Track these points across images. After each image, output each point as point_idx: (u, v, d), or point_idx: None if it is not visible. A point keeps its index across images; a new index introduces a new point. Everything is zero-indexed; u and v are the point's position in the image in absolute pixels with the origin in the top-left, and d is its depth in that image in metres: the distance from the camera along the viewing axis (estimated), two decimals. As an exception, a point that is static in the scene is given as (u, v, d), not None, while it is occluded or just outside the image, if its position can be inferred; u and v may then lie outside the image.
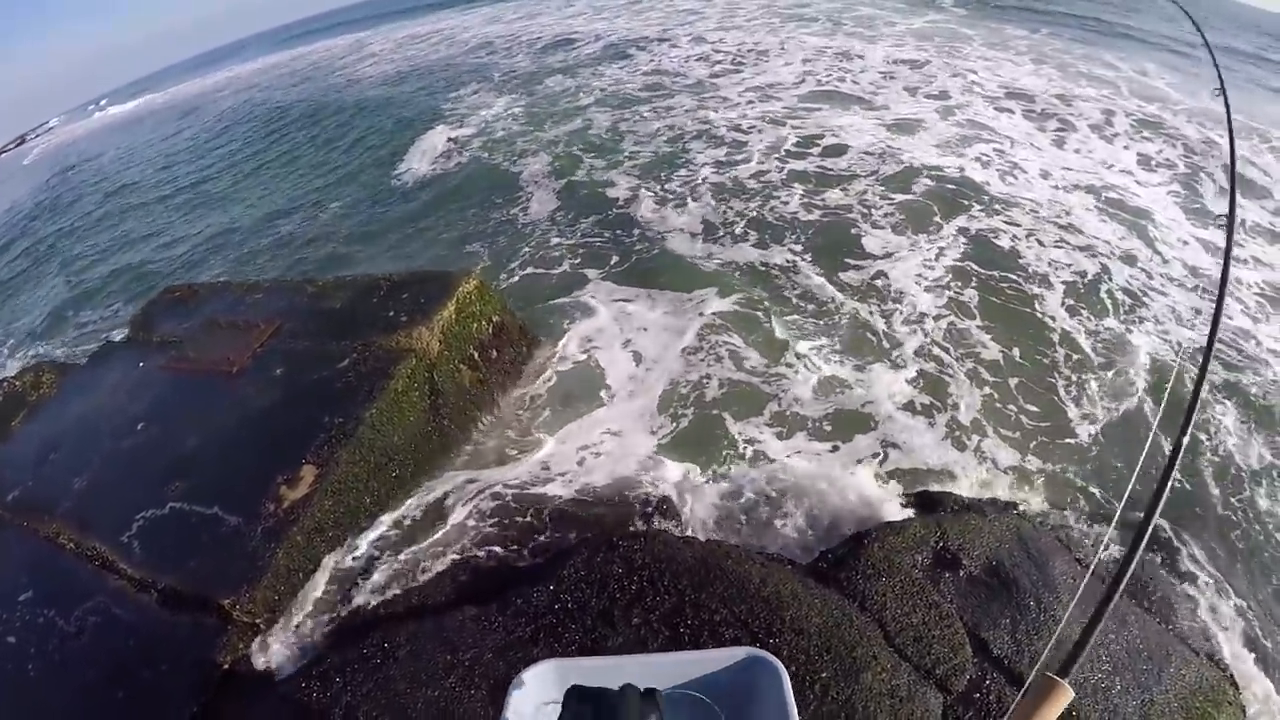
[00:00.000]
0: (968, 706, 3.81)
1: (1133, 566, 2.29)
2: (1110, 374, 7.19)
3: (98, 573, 4.97)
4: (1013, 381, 7.05)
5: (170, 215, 17.10)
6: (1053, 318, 7.97)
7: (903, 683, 3.71)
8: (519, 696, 2.36)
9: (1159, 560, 5.29)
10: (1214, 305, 3.13)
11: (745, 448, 6.01)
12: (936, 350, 7.41)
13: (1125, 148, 13.13)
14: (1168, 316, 8.06)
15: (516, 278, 9.36)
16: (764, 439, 6.17)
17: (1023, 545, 4.69)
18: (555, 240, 10.38)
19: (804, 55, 19.98)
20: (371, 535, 5.00)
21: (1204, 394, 2.73)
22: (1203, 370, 2.91)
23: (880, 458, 6.03)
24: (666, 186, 11.94)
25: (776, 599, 3.98)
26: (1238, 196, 3.45)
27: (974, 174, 11.47)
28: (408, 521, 5.13)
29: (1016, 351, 7.46)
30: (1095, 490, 5.82)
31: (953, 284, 8.54)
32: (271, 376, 5.80)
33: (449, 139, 16.52)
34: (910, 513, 5.11)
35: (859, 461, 5.90)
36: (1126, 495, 3.18)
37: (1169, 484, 2.48)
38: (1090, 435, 6.42)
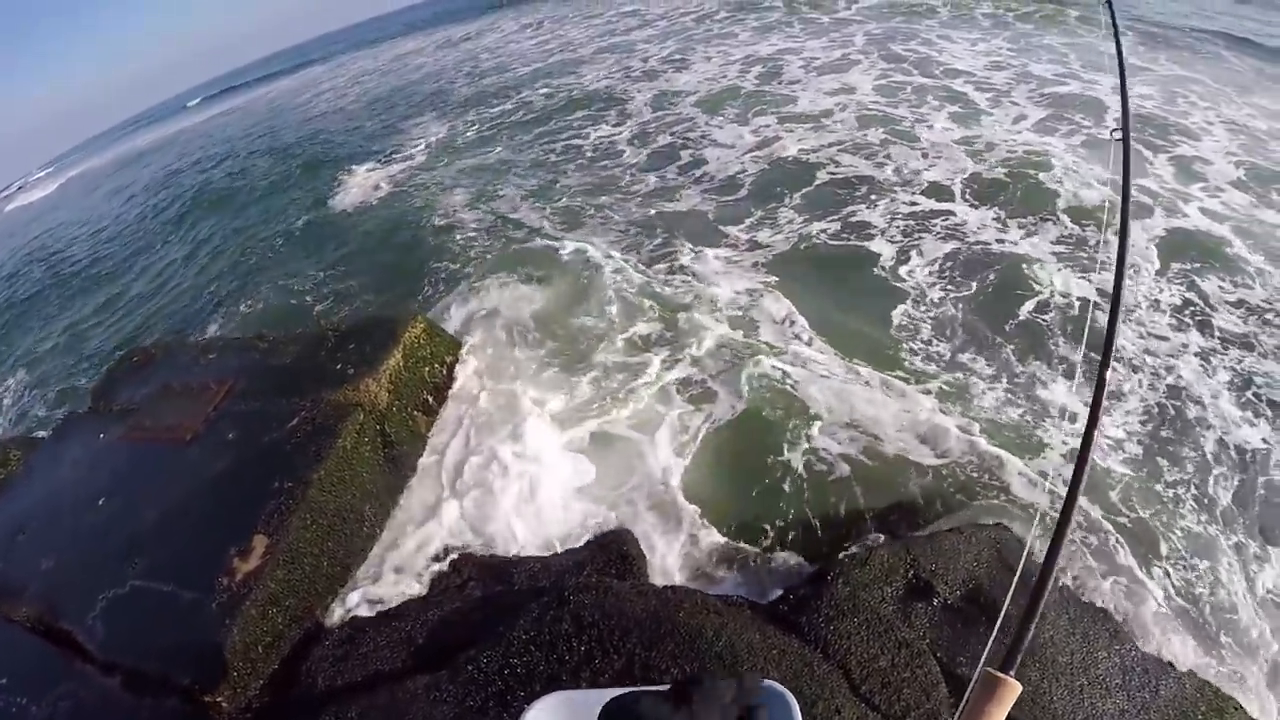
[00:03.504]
0: (942, 755, 3.60)
1: (1060, 552, 2.19)
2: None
3: (66, 656, 4.89)
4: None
5: (112, 285, 16.74)
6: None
7: (870, 735, 3.50)
8: None
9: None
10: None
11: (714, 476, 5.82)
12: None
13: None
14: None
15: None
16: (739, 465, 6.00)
17: (1002, 560, 4.45)
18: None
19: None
20: (327, 601, 4.87)
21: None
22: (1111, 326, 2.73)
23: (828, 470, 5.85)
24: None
25: (731, 653, 3.78)
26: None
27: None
28: (366, 583, 5.01)
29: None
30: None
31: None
32: (224, 441, 5.68)
33: (385, 174, 16.88)
34: (880, 537, 4.86)
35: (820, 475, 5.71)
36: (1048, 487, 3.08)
37: (1085, 471, 2.37)
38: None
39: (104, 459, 6.22)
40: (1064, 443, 5.72)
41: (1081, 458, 2.41)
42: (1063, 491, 2.42)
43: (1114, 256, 2.96)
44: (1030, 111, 13.70)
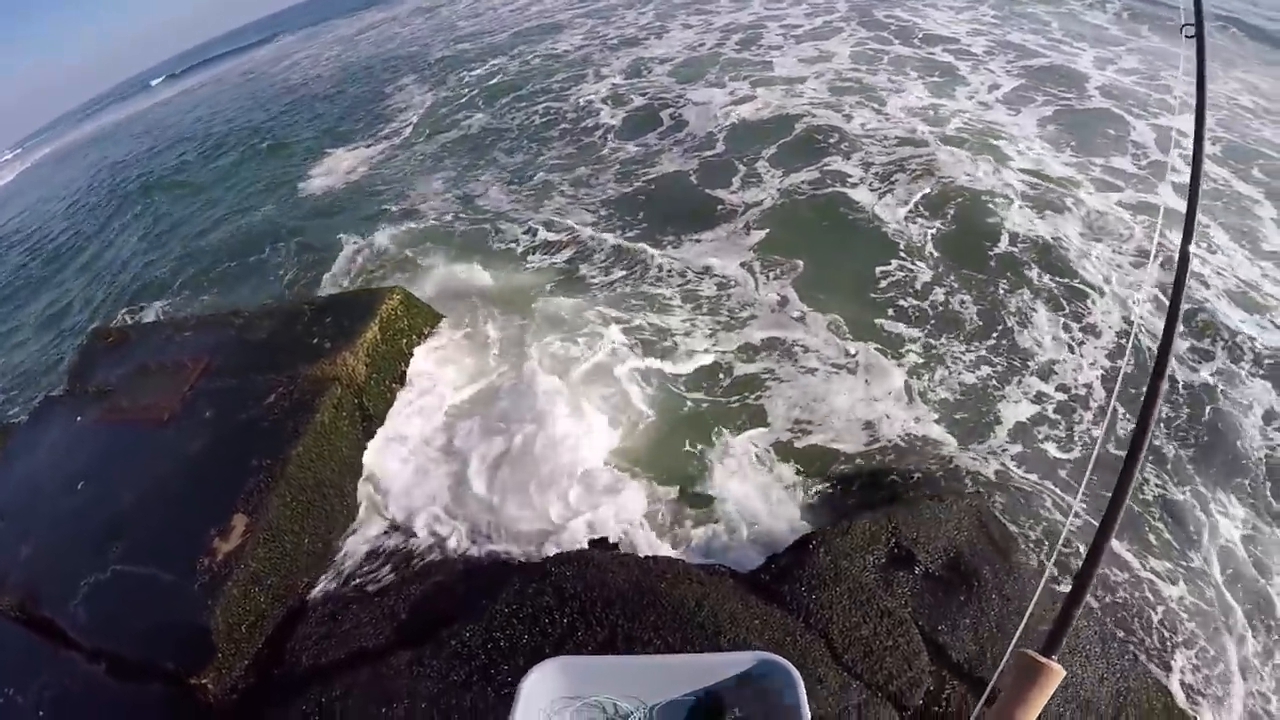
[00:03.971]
0: (926, 721, 3.57)
1: (1111, 536, 2.05)
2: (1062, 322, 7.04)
3: (50, 644, 4.82)
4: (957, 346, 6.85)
5: (83, 267, 16.43)
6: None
7: (853, 703, 3.47)
8: (527, 696, 2.19)
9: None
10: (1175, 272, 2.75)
11: (689, 448, 5.74)
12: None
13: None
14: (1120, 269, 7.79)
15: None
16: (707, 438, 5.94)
17: (984, 530, 4.40)
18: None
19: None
20: (310, 578, 4.81)
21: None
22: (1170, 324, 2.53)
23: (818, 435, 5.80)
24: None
25: (713, 623, 3.73)
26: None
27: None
28: (347, 559, 4.95)
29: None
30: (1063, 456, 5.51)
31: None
32: (202, 421, 5.58)
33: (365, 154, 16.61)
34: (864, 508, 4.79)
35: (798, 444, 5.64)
36: (1093, 461, 2.98)
37: (1143, 453, 2.19)
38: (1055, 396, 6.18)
39: (82, 442, 6.12)
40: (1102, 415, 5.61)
41: (1139, 434, 2.20)
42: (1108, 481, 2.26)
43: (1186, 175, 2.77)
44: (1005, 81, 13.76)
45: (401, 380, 5.68)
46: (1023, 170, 9.84)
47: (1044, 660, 1.74)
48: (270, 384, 5.49)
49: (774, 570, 4.22)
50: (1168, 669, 4.26)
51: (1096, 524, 2.06)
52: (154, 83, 78.88)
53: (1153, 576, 4.67)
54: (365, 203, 13.27)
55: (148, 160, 25.50)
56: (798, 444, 5.79)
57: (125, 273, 14.04)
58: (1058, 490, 5.14)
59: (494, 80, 19.96)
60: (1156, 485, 5.35)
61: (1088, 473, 2.77)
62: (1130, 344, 6.13)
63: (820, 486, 5.14)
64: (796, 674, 2.21)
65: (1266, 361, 6.42)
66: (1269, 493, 5.37)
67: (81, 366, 7.04)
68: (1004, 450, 5.60)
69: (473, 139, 15.60)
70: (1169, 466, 5.49)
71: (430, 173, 14.04)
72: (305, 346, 5.70)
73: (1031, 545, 4.52)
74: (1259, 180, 9.82)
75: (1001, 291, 7.43)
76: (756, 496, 5.05)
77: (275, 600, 4.68)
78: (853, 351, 6.70)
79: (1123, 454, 2.19)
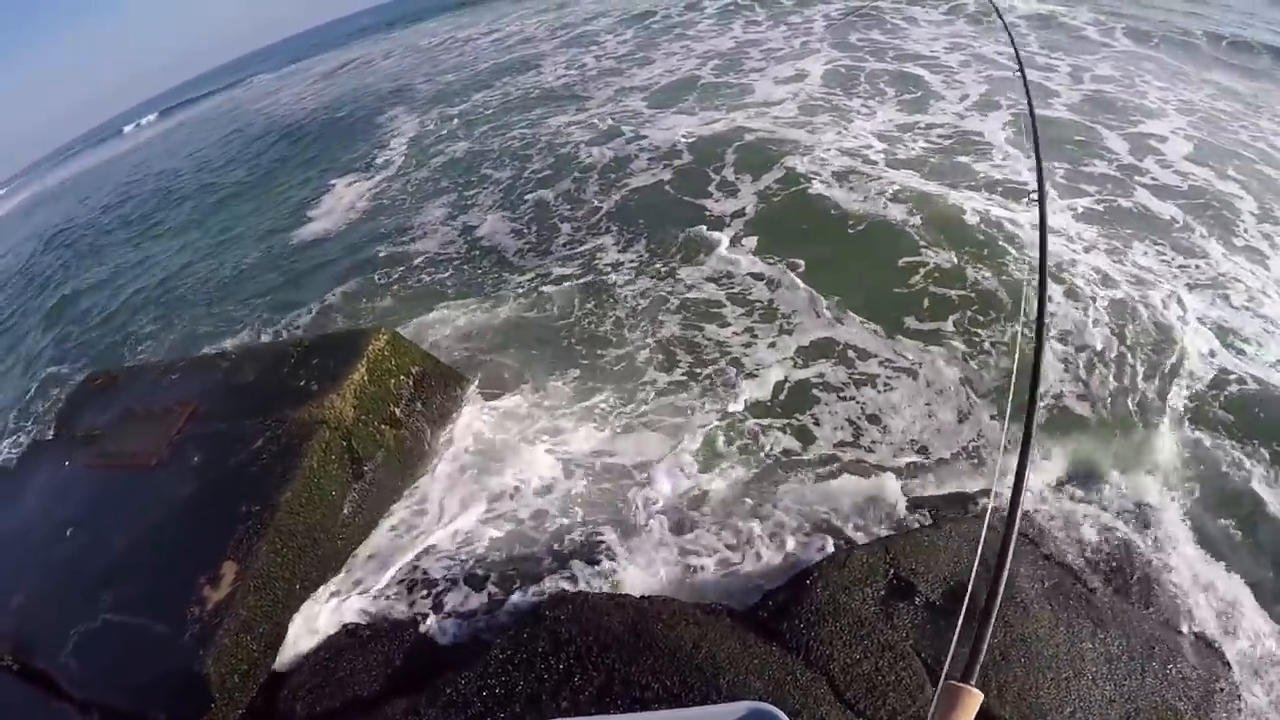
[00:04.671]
0: (935, 755, 3.53)
1: (1009, 558, 2.39)
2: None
3: (42, 696, 4.76)
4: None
5: (72, 309, 16.09)
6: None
7: (856, 742, 3.45)
8: None
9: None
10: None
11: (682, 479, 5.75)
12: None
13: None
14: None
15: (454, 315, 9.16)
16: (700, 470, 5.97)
17: (982, 555, 4.37)
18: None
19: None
20: (300, 625, 4.77)
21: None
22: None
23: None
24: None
25: (712, 665, 3.72)
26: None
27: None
28: (338, 605, 4.90)
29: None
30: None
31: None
32: (189, 466, 5.55)
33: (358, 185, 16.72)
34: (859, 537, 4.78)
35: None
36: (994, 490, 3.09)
37: (1026, 470, 2.56)
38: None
39: (70, 487, 6.08)
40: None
41: (1021, 462, 2.55)
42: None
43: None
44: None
45: (391, 422, 5.64)
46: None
47: (962, 686, 1.89)
48: (257, 428, 5.46)
49: (771, 607, 4.20)
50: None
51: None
52: (127, 129, 76.11)
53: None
54: (363, 240, 13.32)
55: (132, 204, 25.43)
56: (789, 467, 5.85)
57: (123, 314, 13.99)
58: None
59: (479, 111, 20.26)
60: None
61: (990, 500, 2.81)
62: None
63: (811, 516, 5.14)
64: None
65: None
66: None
67: (69, 410, 7.01)
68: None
69: (463, 166, 15.81)
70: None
71: (426, 207, 14.09)
72: (292, 389, 5.67)
73: (1033, 570, 4.51)
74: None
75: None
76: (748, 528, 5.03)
77: (268, 649, 4.65)
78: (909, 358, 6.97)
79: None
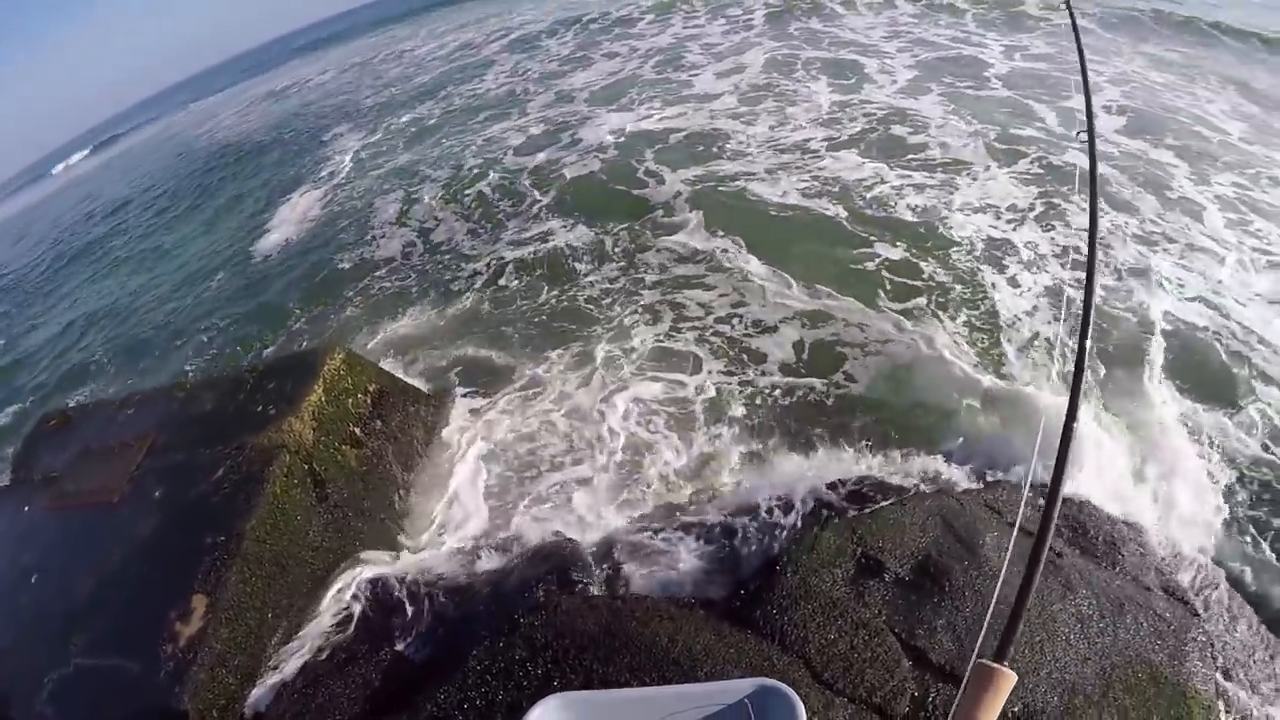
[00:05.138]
0: (915, 728, 3.58)
1: (1049, 538, 2.26)
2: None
3: (19, 746, 4.72)
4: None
5: (20, 349, 15.70)
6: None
7: (838, 720, 3.47)
8: None
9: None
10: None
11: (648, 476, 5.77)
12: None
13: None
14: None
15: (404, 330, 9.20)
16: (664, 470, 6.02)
17: (949, 529, 4.44)
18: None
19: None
20: (276, 654, 4.72)
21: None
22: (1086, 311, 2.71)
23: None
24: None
25: (688, 657, 3.74)
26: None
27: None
28: (312, 630, 4.87)
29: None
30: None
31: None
32: (152, 500, 5.47)
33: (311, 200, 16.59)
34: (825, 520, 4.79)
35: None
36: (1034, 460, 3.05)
37: (1070, 446, 2.39)
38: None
39: (31, 532, 5.97)
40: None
41: (1062, 452, 2.39)
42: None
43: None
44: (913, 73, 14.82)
45: (352, 442, 5.57)
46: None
47: (995, 667, 1.89)
48: (218, 457, 5.38)
49: (744, 596, 4.22)
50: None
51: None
52: (56, 169, 69.51)
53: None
54: (319, 249, 13.29)
55: (78, 237, 24.80)
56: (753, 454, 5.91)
57: (74, 351, 13.71)
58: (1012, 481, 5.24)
59: (423, 122, 20.40)
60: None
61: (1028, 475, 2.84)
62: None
63: (779, 500, 5.16)
64: (797, 699, 2.24)
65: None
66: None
67: (25, 453, 6.86)
68: (959, 444, 5.70)
69: (410, 171, 15.85)
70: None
71: (376, 213, 14.09)
72: (250, 415, 5.60)
73: (1000, 541, 4.55)
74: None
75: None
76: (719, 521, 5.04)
77: (245, 680, 4.59)
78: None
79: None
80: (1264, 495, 5.33)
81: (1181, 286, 7.46)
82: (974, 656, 2.01)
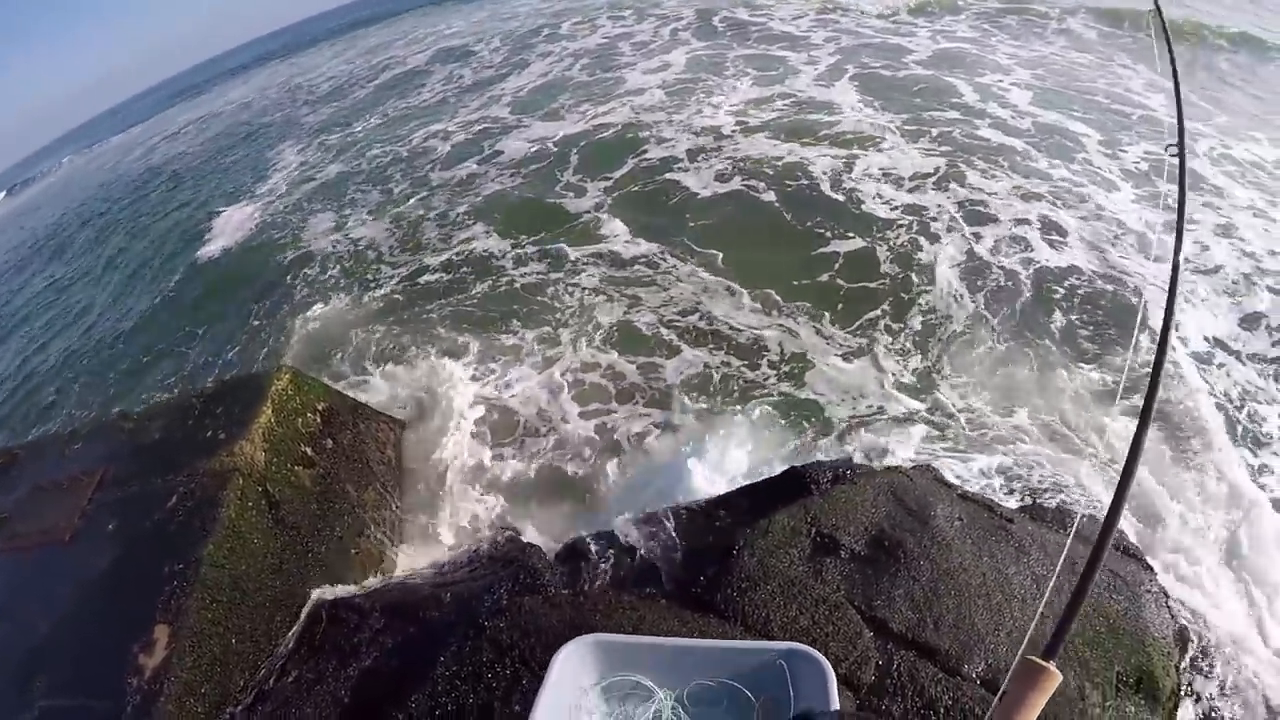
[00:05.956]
0: (882, 695, 3.66)
1: (1112, 534, 2.17)
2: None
3: (-14, 798, 4.64)
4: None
5: None
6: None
7: (805, 693, 3.54)
8: (559, 672, 2.41)
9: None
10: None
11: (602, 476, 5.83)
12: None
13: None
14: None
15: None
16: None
17: (900, 503, 4.54)
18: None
19: None
20: (243, 680, 4.69)
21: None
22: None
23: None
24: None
25: (652, 647, 3.77)
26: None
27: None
28: (278, 653, 4.86)
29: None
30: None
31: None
32: (106, 534, 5.39)
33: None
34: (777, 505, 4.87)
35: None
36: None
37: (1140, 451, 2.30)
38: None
39: (-18, 576, 5.84)
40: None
41: (1134, 451, 2.32)
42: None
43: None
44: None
45: (305, 462, 5.54)
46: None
47: (1042, 664, 1.87)
48: (170, 485, 5.33)
49: (703, 582, 4.28)
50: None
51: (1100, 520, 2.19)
52: None
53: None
54: (260, 261, 13.25)
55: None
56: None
57: (10, 397, 13.38)
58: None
59: (358, 134, 20.59)
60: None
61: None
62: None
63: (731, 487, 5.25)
64: (827, 664, 2.29)
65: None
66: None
67: (-30, 495, 6.71)
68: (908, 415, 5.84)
69: (341, 185, 16.09)
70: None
71: (311, 224, 14.13)
72: (200, 441, 5.55)
73: (949, 508, 4.66)
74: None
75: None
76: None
77: (213, 708, 4.55)
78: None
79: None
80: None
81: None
82: (1021, 651, 2.03)
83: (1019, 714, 1.85)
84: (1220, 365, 6.63)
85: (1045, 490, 5.41)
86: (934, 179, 9.35)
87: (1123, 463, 2.29)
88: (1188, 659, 4.33)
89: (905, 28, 16.80)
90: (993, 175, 9.48)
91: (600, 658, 2.34)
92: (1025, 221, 8.44)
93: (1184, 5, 18.44)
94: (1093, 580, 2.09)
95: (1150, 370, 2.43)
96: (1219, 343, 6.93)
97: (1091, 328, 7.00)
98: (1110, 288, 7.42)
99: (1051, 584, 2.48)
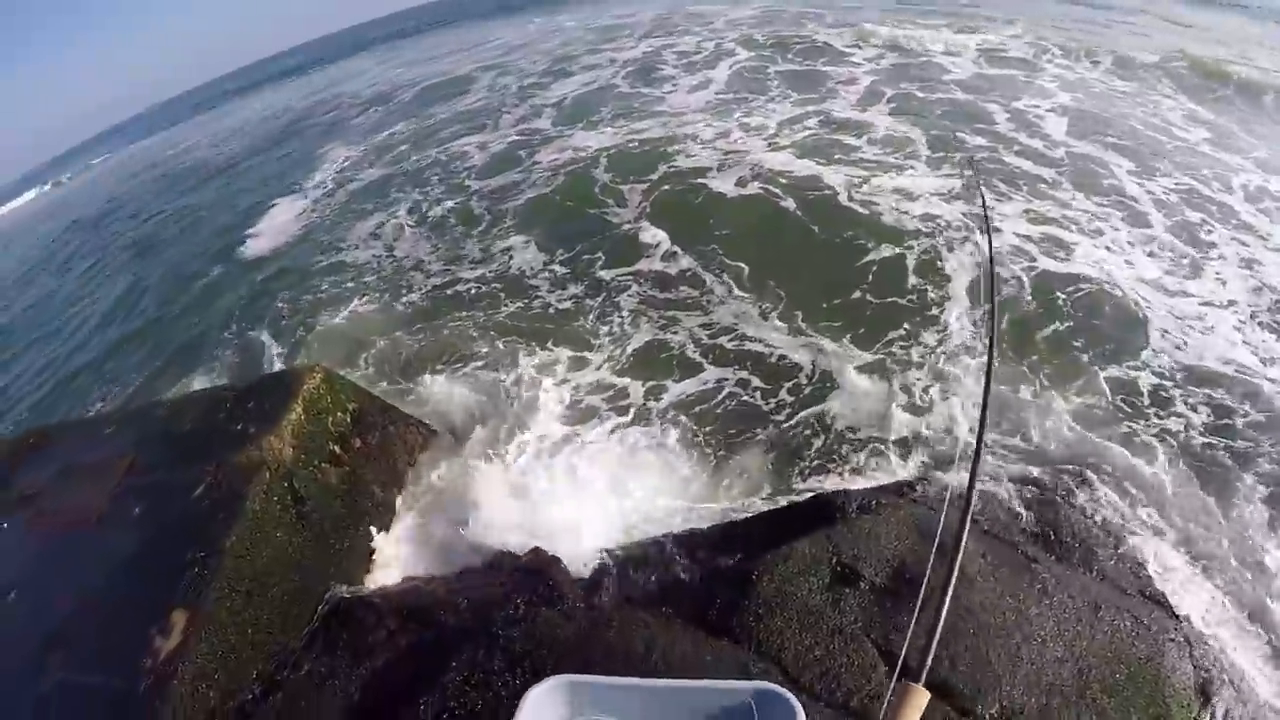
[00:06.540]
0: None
1: (960, 554, 2.49)
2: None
3: (-1, 767, 4.72)
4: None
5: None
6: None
7: (817, 725, 3.55)
8: (529, 713, 2.31)
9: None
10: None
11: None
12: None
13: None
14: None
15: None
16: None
17: (921, 536, 4.53)
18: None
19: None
20: (257, 670, 4.75)
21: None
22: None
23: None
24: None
25: (665, 666, 3.85)
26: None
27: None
28: (293, 646, 4.90)
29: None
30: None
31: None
32: (131, 518, 5.49)
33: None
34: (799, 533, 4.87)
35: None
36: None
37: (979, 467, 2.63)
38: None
39: (9, 550, 5.97)
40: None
41: (972, 477, 2.47)
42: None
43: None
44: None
45: (333, 460, 5.62)
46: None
47: (911, 685, 2.09)
48: (198, 475, 5.42)
49: (719, 606, 4.30)
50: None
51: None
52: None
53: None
54: (301, 263, 13.40)
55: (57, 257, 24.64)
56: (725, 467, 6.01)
57: (54, 370, 13.63)
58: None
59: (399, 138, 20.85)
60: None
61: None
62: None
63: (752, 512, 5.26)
64: (798, 705, 2.29)
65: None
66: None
67: (4, 471, 6.85)
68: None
69: (384, 187, 16.38)
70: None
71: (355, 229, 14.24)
72: (230, 434, 5.65)
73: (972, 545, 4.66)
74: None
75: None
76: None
77: (226, 697, 4.62)
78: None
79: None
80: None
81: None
82: (895, 675, 2.21)
83: None
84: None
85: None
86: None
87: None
88: (1208, 715, 4.26)
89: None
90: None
91: (570, 699, 2.35)
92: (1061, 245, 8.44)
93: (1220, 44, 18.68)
94: (948, 594, 2.39)
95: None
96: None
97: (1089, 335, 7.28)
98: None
99: (920, 596, 2.55)
